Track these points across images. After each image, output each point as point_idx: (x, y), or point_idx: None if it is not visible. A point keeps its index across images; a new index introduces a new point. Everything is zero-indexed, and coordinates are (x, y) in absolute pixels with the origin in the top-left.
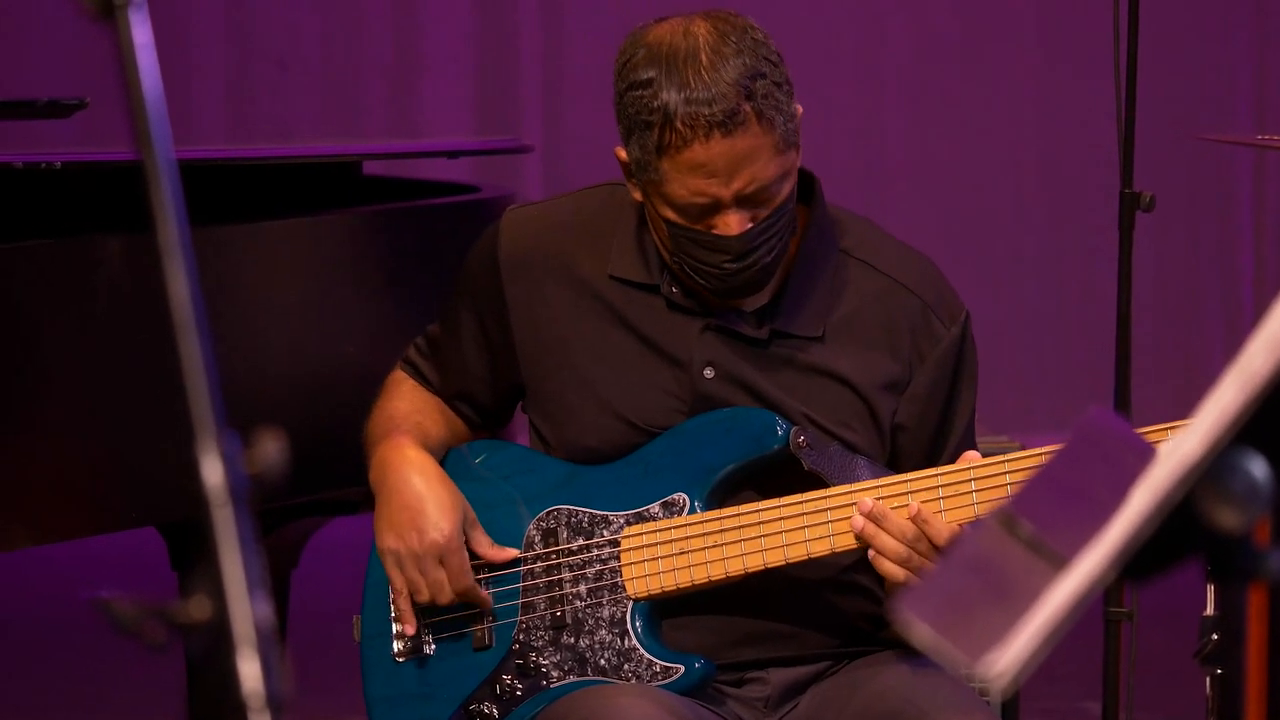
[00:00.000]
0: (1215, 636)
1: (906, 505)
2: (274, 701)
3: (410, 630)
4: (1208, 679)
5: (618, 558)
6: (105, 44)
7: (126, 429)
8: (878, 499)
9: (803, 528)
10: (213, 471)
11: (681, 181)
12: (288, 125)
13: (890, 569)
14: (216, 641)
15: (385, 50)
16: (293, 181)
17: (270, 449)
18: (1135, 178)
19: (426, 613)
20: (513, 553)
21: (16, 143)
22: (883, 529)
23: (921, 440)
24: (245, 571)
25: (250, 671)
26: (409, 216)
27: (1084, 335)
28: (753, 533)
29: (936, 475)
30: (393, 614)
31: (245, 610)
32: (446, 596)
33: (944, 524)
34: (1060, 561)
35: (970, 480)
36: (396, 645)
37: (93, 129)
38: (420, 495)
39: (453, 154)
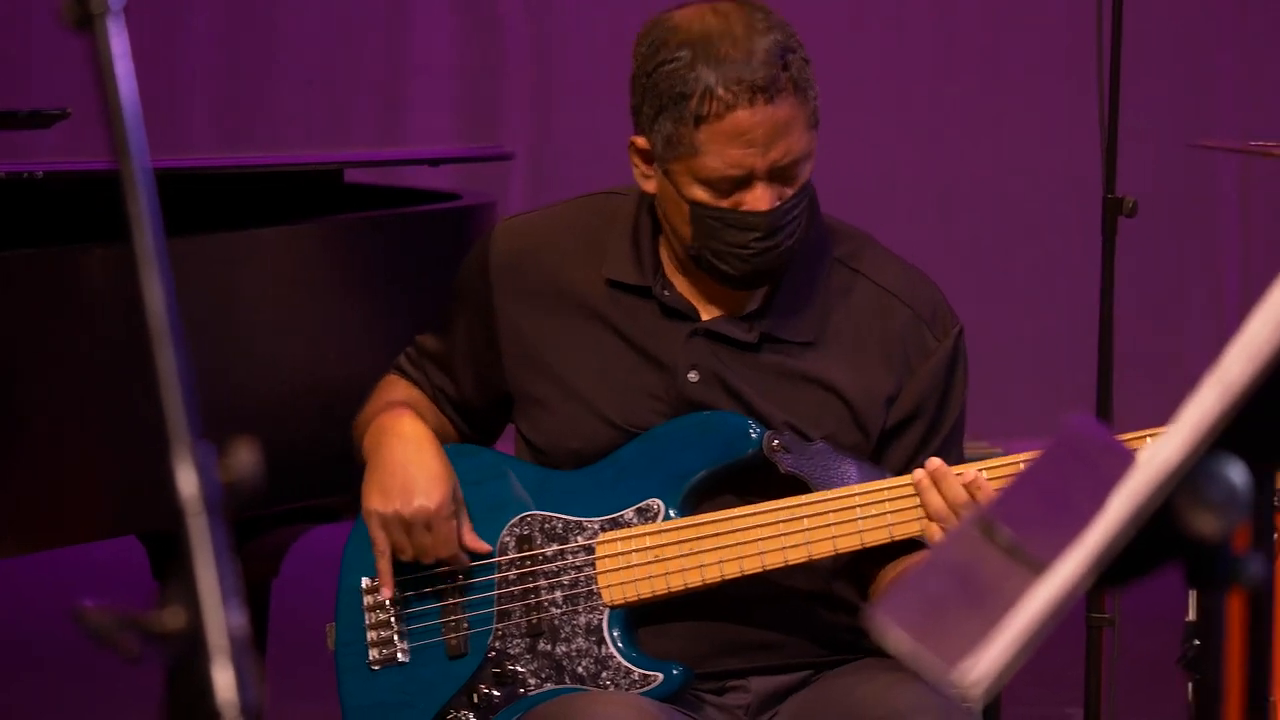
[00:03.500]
0: (1197, 642)
1: (962, 474)
2: (248, 711)
3: (388, 594)
4: (1190, 685)
5: (593, 565)
6: (86, 53)
7: (109, 438)
8: (854, 506)
9: (779, 535)
10: (187, 481)
11: (719, 152)
12: (278, 135)
13: (930, 530)
14: (191, 651)
15: (376, 59)
16: (276, 190)
17: (245, 458)
18: (1120, 183)
19: (401, 620)
20: (487, 546)
21: None
22: (939, 489)
23: (908, 447)
24: (220, 581)
25: (224, 681)
26: (390, 224)
27: (1067, 341)
28: (729, 540)
29: (913, 482)
30: (365, 590)
31: (219, 620)
32: (429, 560)
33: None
34: (1038, 567)
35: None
36: (372, 653)
37: (75, 139)
38: (412, 463)
39: (434, 162)
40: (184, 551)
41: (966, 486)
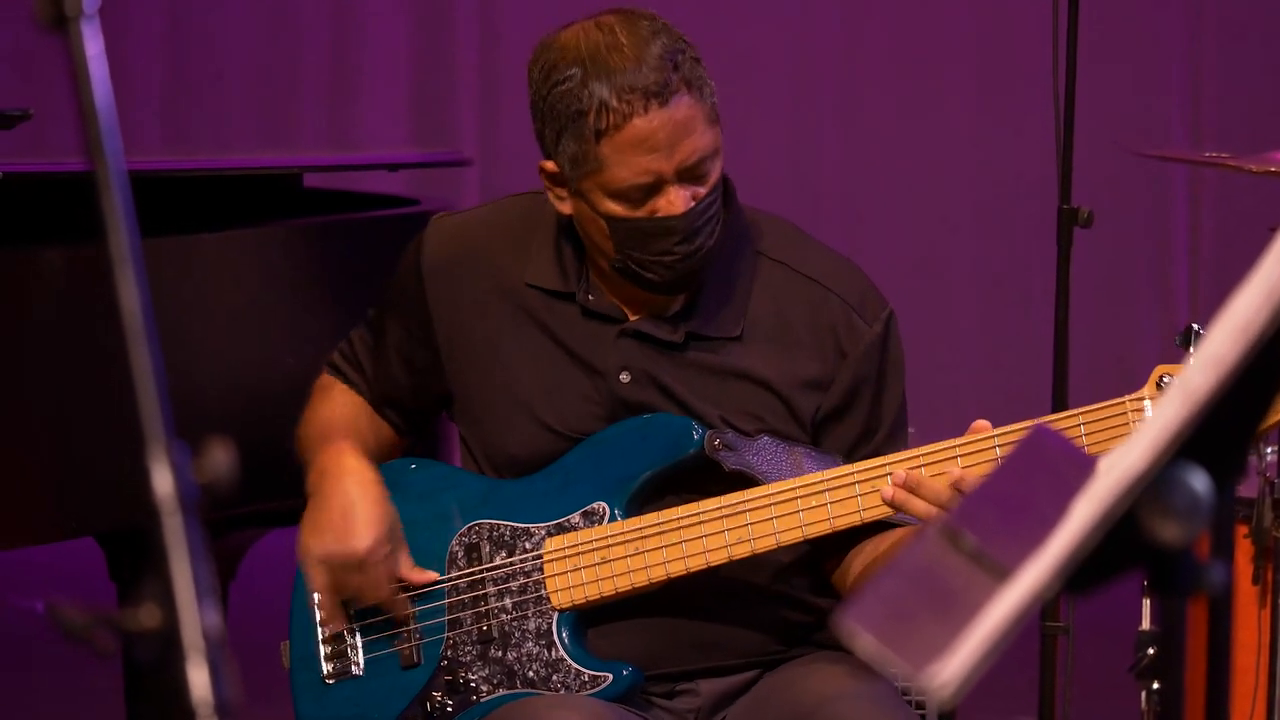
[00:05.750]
0: (1151, 651)
1: (947, 472)
2: (222, 708)
3: (340, 626)
4: (1143, 693)
5: (541, 569)
6: (51, 55)
7: (68, 439)
8: (794, 498)
9: (722, 531)
10: (162, 480)
11: (623, 163)
12: (224, 138)
13: None
14: (165, 649)
15: (322, 63)
16: (233, 193)
17: (219, 458)
18: (1074, 194)
19: (354, 634)
20: (431, 575)
21: None
22: (918, 495)
23: (848, 436)
24: (194, 580)
25: (199, 679)
26: (349, 229)
27: (1021, 350)
28: (674, 538)
29: (853, 471)
30: (319, 619)
31: (194, 618)
32: (363, 604)
33: None
34: (1003, 573)
35: (888, 476)
36: (326, 667)
37: (36, 140)
38: (350, 504)
39: (393, 166)
40: (159, 550)
41: (954, 485)
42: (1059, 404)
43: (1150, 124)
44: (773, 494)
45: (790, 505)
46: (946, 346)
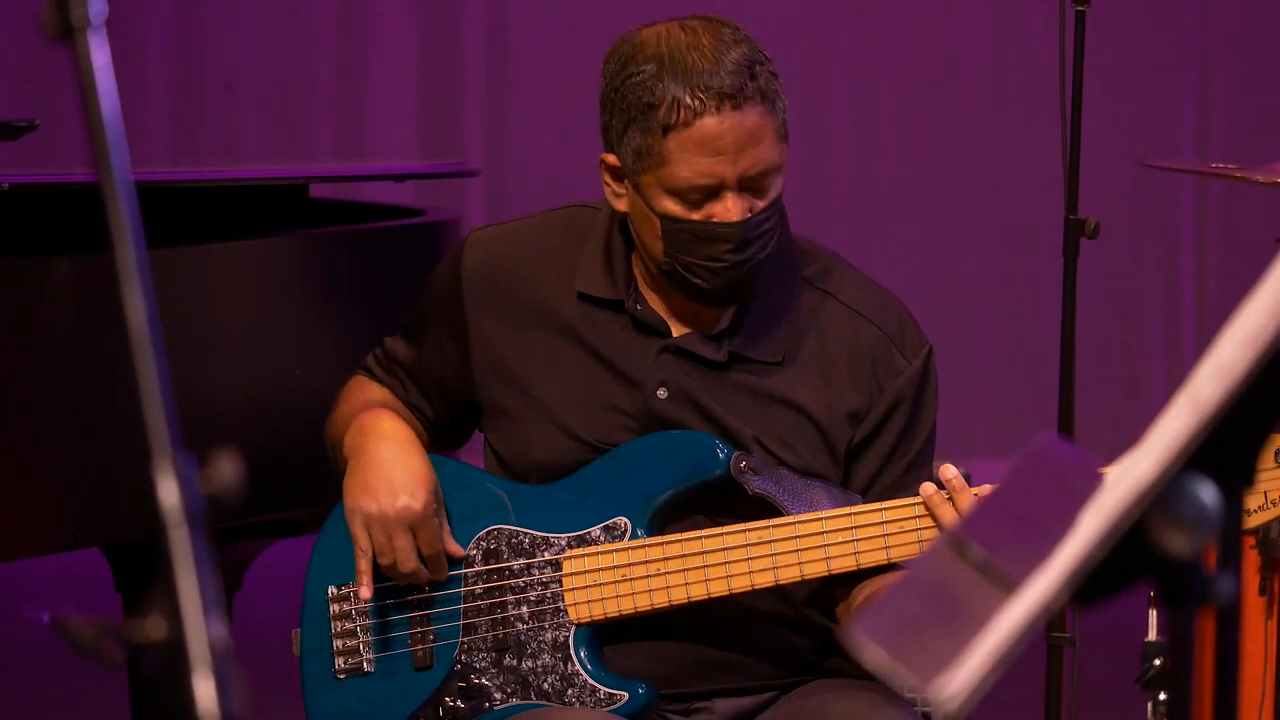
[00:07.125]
0: (1157, 662)
1: (980, 490)
2: None
3: (367, 594)
4: (1149, 704)
5: (560, 581)
6: (54, 66)
7: (75, 450)
8: (821, 532)
9: (746, 559)
10: (169, 492)
11: (688, 161)
12: (233, 146)
13: None
14: (171, 661)
15: (330, 73)
16: (240, 204)
17: (226, 469)
18: (1081, 205)
19: (367, 630)
20: (463, 550)
21: None
22: (955, 501)
23: (871, 464)
24: (201, 592)
25: (205, 691)
26: (356, 239)
27: (1028, 361)
28: (696, 561)
29: (882, 510)
30: (360, 576)
31: (201, 630)
32: (411, 564)
33: None
34: (1011, 585)
35: (915, 518)
36: (338, 662)
37: (43, 151)
38: (397, 462)
39: (399, 177)
40: (165, 562)
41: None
42: (1065, 412)
43: (1157, 135)
44: (799, 524)
45: (817, 540)
46: (954, 356)
